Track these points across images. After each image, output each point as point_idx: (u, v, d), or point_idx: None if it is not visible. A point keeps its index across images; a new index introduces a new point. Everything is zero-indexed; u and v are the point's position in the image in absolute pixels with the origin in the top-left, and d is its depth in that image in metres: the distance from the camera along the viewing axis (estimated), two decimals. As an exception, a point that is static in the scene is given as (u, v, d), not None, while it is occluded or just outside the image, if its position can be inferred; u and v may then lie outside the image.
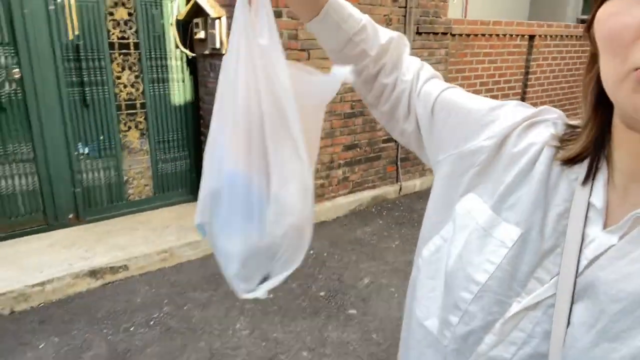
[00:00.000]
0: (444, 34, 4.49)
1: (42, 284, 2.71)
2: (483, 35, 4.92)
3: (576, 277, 0.46)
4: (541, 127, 0.56)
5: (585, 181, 0.49)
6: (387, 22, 4.02)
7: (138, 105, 3.59)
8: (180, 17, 3.50)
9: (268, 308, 2.75)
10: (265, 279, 0.72)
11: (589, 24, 0.46)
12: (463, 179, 0.58)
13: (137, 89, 3.55)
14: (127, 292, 2.87)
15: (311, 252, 3.47)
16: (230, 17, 3.23)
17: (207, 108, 3.77)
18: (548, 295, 0.48)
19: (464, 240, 0.55)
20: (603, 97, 0.47)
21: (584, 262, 0.46)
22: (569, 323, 0.46)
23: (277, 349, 2.43)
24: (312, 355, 2.40)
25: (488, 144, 0.57)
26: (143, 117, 3.64)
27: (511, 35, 5.26)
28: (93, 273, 2.89)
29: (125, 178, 3.64)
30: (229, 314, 2.68)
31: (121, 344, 2.42)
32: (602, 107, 0.49)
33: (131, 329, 2.55)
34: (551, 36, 5.79)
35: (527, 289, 0.49)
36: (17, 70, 3.02)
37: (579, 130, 0.52)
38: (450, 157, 0.61)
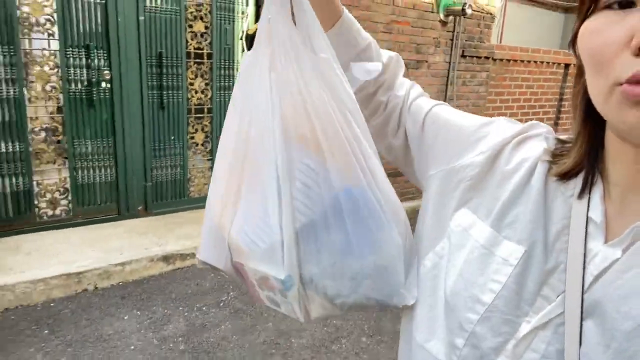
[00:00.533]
0: (487, 58, 4.76)
1: (123, 264, 3.00)
2: (522, 61, 5.18)
3: (583, 293, 0.45)
4: (533, 141, 0.56)
5: (580, 195, 0.50)
6: (436, 45, 4.32)
7: (205, 110, 3.91)
8: (251, 32, 3.84)
9: (326, 299, 2.99)
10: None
11: (572, 39, 0.47)
12: (455, 194, 0.58)
13: (206, 95, 3.88)
14: (196, 277, 3.14)
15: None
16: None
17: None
18: (557, 313, 0.47)
19: (463, 259, 0.54)
20: (592, 110, 0.47)
21: (589, 278, 0.46)
22: (580, 342, 0.45)
23: (338, 334, 2.66)
24: (370, 341, 2.63)
25: (479, 160, 0.57)
26: (209, 121, 3.96)
27: (548, 62, 5.51)
28: (166, 258, 3.17)
29: (188, 176, 3.95)
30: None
31: (197, 319, 2.68)
32: (592, 120, 0.49)
33: (203, 308, 2.81)
34: (585, 65, 6.02)
35: (535, 307, 0.49)
36: (107, 72, 3.37)
37: (569, 145, 0.53)
38: (441, 172, 0.61)
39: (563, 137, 0.55)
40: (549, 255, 0.49)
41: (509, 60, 5.04)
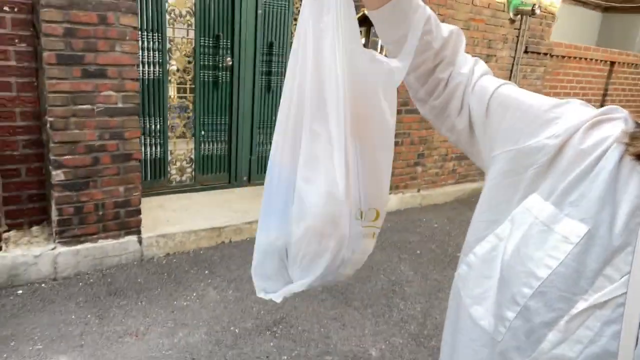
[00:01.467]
0: (545, 54, 5.21)
1: (250, 222, 3.53)
2: (575, 57, 5.63)
3: None
4: (610, 124, 0.54)
5: None
6: (504, 41, 4.78)
7: (302, 94, 4.42)
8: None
9: (419, 259, 3.52)
10: (287, 284, 0.67)
11: None
12: (523, 177, 0.56)
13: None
14: (308, 237, 3.68)
15: (435, 225, 4.22)
16: (394, 29, 4.02)
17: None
18: (618, 294, 0.46)
19: (522, 234, 0.54)
20: None
21: None
22: None
23: (437, 287, 3.18)
24: (469, 291, 3.15)
25: (552, 143, 0.55)
26: (303, 104, 4.46)
27: (596, 60, 5.95)
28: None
29: (284, 152, 4.46)
30: (391, 260, 3.45)
31: (323, 269, 3.22)
32: None
33: (324, 261, 3.34)
34: (628, 64, 6.45)
35: (594, 286, 0.48)
36: (229, 58, 3.88)
37: None
38: (508, 153, 0.59)
39: None
40: (616, 235, 0.48)
41: (563, 57, 5.48)
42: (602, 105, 5.94)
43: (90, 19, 2.55)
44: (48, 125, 2.56)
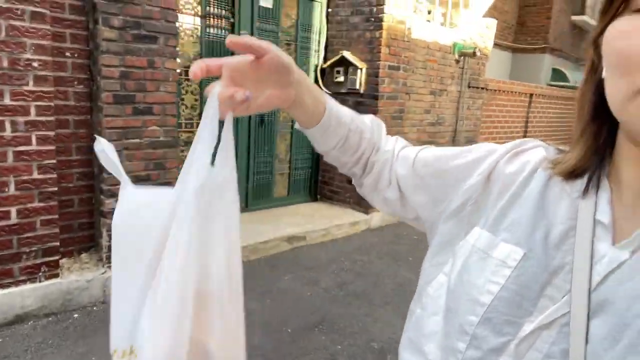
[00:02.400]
0: (482, 88, 6.17)
1: (266, 242, 3.88)
2: (503, 91, 6.68)
3: (590, 293, 0.45)
4: (530, 152, 0.58)
5: (585, 195, 0.50)
6: (452, 77, 5.63)
7: (288, 127, 4.89)
8: (325, 66, 4.91)
9: (413, 264, 4.07)
10: None
11: (596, 36, 0.47)
12: (463, 217, 0.60)
13: (289, 115, 4.86)
14: (311, 254, 4.09)
15: (415, 237, 4.81)
16: (370, 69, 4.68)
17: (331, 131, 5.12)
18: (562, 313, 0.47)
19: (462, 263, 0.56)
20: (600, 109, 0.48)
21: (596, 278, 0.46)
22: (587, 340, 0.45)
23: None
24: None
25: (479, 179, 0.59)
26: (289, 136, 4.93)
27: (519, 92, 7.08)
28: (289, 239, 4.09)
29: (274, 179, 4.87)
30: (390, 267, 3.97)
31: (337, 278, 3.64)
32: (600, 119, 0.50)
33: (336, 271, 3.77)
34: (542, 95, 7.70)
35: (538, 307, 0.49)
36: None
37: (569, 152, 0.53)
38: (446, 203, 0.62)
39: (561, 148, 0.57)
40: (553, 255, 0.49)
41: (495, 90, 6.50)
42: (526, 130, 7.06)
43: (141, 63, 2.88)
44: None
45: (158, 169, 3.07)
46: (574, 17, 10.59)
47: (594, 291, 0.45)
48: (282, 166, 4.97)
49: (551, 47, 9.98)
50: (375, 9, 4.55)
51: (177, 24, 3.07)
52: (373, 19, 4.58)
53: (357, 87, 4.76)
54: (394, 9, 4.57)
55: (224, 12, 4.12)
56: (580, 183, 0.51)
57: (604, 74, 0.46)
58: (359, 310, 3.14)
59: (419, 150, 0.70)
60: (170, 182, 3.14)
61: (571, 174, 0.51)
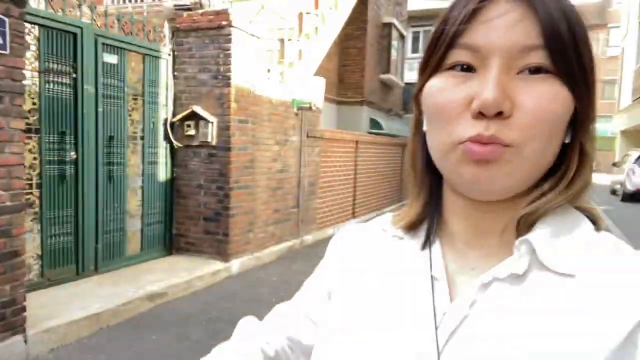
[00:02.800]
0: (319, 137, 6.90)
1: (125, 304, 3.70)
2: (336, 139, 7.55)
3: (438, 355, 0.45)
4: (354, 230, 0.61)
5: (423, 248, 0.52)
6: (293, 128, 6.21)
7: (140, 180, 4.78)
8: (175, 120, 4.98)
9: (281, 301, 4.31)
10: None
11: (417, 92, 0.50)
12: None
13: (140, 169, 4.78)
14: (175, 309, 4.03)
15: (274, 278, 5.06)
16: (221, 123, 4.92)
17: (184, 183, 5.16)
18: None
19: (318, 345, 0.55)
20: (431, 162, 0.49)
21: (442, 339, 0.45)
22: None
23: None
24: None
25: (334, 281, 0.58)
26: (141, 190, 4.82)
27: (348, 140, 8.06)
28: (150, 297, 3.96)
29: (126, 236, 4.67)
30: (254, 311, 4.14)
31: (208, 329, 3.67)
32: (431, 171, 0.51)
33: (205, 322, 3.78)
34: (365, 142, 8.87)
35: None
36: (73, 153, 4.06)
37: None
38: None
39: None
40: (399, 319, 0.49)
41: (329, 139, 7.31)
42: (356, 172, 8.05)
43: (-17, 123, 2.65)
44: None
45: (4, 236, 2.79)
46: (381, 76, 12.48)
47: (442, 353, 0.45)
48: (134, 222, 4.80)
49: (367, 100, 11.55)
50: (222, 68, 4.86)
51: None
52: (221, 77, 4.88)
53: (209, 139, 4.94)
54: (240, 68, 4.95)
55: (65, 67, 3.96)
56: (418, 240, 0.53)
57: (424, 128, 0.49)
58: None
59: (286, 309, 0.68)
60: (16, 251, 2.88)
61: (411, 228, 0.53)
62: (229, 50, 4.84)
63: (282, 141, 5.99)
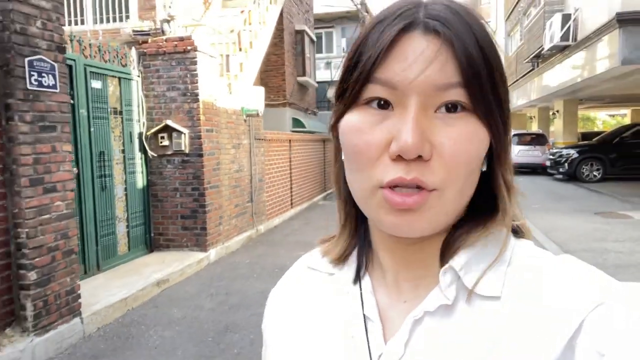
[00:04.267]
0: (263, 139, 7.89)
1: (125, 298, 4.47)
2: (274, 140, 8.58)
3: None
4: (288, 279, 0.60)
5: (355, 283, 0.51)
6: (244, 133, 7.14)
7: (123, 189, 5.45)
8: (149, 133, 5.69)
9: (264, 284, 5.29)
10: None
11: (333, 124, 0.48)
12: None
13: (123, 178, 5.44)
14: (179, 291, 4.85)
15: (247, 261, 6.01)
16: (192, 133, 5.73)
17: (159, 188, 5.88)
18: None
19: None
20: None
21: None
22: None
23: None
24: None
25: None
26: (125, 196, 5.49)
27: (283, 140, 9.13)
28: (158, 283, 4.74)
29: (117, 239, 5.33)
30: (245, 282, 5.09)
31: (215, 299, 4.56)
32: (353, 201, 0.49)
33: (211, 296, 4.67)
34: (295, 139, 10.00)
35: None
36: (75, 169, 4.68)
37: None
38: None
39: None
40: None
41: (270, 140, 8.32)
42: (291, 167, 9.16)
43: (47, 149, 3.35)
44: (24, 235, 3.15)
45: (64, 238, 3.50)
46: (299, 78, 13.66)
47: None
48: (121, 226, 5.46)
49: (289, 102, 12.66)
50: (190, 86, 5.68)
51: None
52: (190, 94, 5.70)
53: (183, 148, 5.74)
54: (205, 85, 5.80)
55: (62, 94, 4.56)
56: (348, 275, 0.52)
57: (343, 157, 0.47)
58: (256, 310, 4.21)
59: None
60: (72, 249, 3.60)
61: (340, 259, 0.53)
62: (195, 70, 5.67)
63: (237, 145, 6.90)
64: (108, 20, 7.10)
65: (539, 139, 16.56)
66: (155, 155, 5.83)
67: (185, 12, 7.09)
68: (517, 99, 19.89)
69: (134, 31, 6.02)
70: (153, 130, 5.73)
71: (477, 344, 0.42)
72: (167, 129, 5.71)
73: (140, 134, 5.73)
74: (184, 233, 5.92)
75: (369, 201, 0.44)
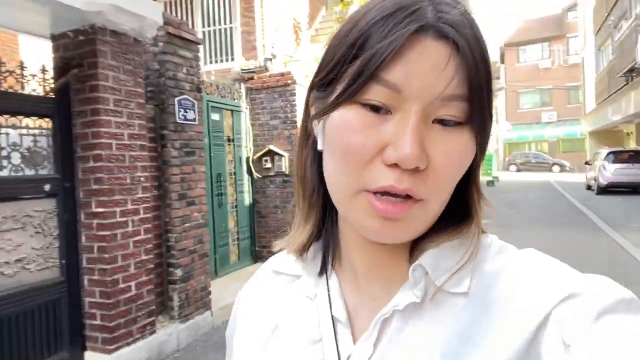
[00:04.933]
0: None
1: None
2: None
3: None
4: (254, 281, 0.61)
5: (320, 280, 0.50)
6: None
7: (234, 206, 6.24)
8: (255, 157, 6.48)
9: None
10: None
11: (320, 113, 0.45)
12: None
13: (234, 197, 6.24)
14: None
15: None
16: (291, 156, 6.43)
17: (262, 205, 6.62)
18: None
19: None
20: (322, 187, 0.48)
21: None
22: None
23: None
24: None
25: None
26: (235, 213, 6.28)
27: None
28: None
29: (230, 249, 6.10)
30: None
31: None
32: (324, 195, 0.49)
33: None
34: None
35: None
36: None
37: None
38: None
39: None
40: None
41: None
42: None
43: (189, 170, 4.13)
44: (173, 240, 3.91)
45: (200, 243, 4.24)
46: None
47: None
48: (232, 238, 6.23)
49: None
50: (289, 115, 6.42)
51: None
52: (289, 122, 6.43)
53: (283, 169, 6.45)
54: (301, 113, 6.49)
55: (189, 125, 5.44)
56: (313, 275, 0.51)
57: (319, 147, 0.46)
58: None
59: None
60: (205, 253, 4.32)
61: (303, 251, 0.51)
62: (294, 101, 6.40)
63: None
64: (217, 61, 8.14)
65: (637, 157, 15.57)
66: (260, 176, 6.59)
67: (280, 48, 7.96)
68: (612, 114, 18.83)
69: (242, 69, 6.93)
70: (258, 154, 6.51)
71: (445, 339, 0.42)
72: (270, 153, 6.46)
73: (247, 158, 6.53)
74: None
75: (351, 203, 0.43)
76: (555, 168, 27.80)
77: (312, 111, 0.48)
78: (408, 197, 0.40)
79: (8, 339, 2.85)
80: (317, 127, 0.47)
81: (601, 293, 0.39)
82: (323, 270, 0.51)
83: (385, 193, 0.40)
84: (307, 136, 0.50)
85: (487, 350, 0.41)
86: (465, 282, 0.44)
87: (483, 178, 18.69)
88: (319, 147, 0.46)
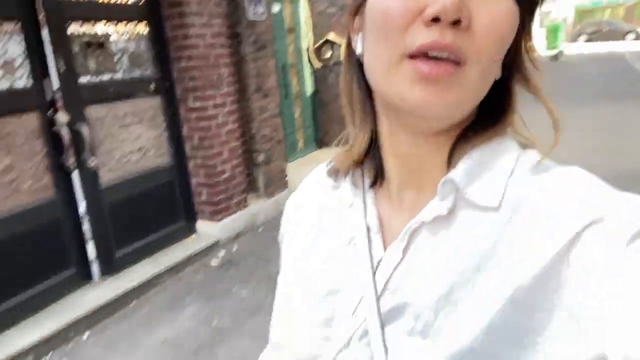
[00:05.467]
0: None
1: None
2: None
3: (378, 302, 0.47)
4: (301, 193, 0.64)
5: (373, 186, 0.52)
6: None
7: (298, 96, 6.62)
8: (314, 47, 6.66)
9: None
10: None
11: (355, 9, 0.46)
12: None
13: (298, 87, 6.59)
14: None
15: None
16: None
17: (325, 96, 6.95)
18: (356, 327, 0.48)
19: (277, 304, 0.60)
20: (369, 97, 0.49)
21: (380, 285, 0.47)
22: (385, 349, 0.45)
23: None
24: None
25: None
26: (300, 103, 6.67)
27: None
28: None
29: (296, 137, 6.60)
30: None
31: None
32: (371, 107, 0.50)
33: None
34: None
35: (332, 330, 0.50)
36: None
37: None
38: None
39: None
40: (335, 272, 0.51)
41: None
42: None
43: (263, 64, 4.47)
44: (255, 129, 4.41)
45: (276, 131, 4.73)
46: None
47: (381, 299, 0.47)
48: (298, 126, 6.71)
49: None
50: (346, 1, 6.39)
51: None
52: (345, 8, 6.42)
53: (341, 59, 6.60)
54: (360, -1, 6.45)
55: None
56: (352, 187, 0.53)
57: (359, 50, 0.47)
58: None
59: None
60: (281, 140, 4.82)
61: (358, 161, 0.53)
62: (351, -14, 6.32)
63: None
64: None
65: None
66: (319, 66, 6.82)
67: None
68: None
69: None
70: (317, 44, 6.67)
71: (471, 250, 0.43)
72: (329, 42, 6.59)
73: (307, 48, 6.72)
74: (342, 129, 6.97)
75: (392, 74, 0.41)
76: (630, 36, 25.38)
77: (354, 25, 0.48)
78: (450, 62, 0.39)
79: (142, 210, 3.58)
80: (358, 39, 0.48)
81: (637, 216, 0.38)
82: (361, 182, 0.54)
83: (426, 56, 0.39)
84: (350, 56, 0.51)
85: (509, 267, 0.41)
86: (497, 196, 0.44)
87: (546, 53, 17.56)
88: (358, 50, 0.47)
